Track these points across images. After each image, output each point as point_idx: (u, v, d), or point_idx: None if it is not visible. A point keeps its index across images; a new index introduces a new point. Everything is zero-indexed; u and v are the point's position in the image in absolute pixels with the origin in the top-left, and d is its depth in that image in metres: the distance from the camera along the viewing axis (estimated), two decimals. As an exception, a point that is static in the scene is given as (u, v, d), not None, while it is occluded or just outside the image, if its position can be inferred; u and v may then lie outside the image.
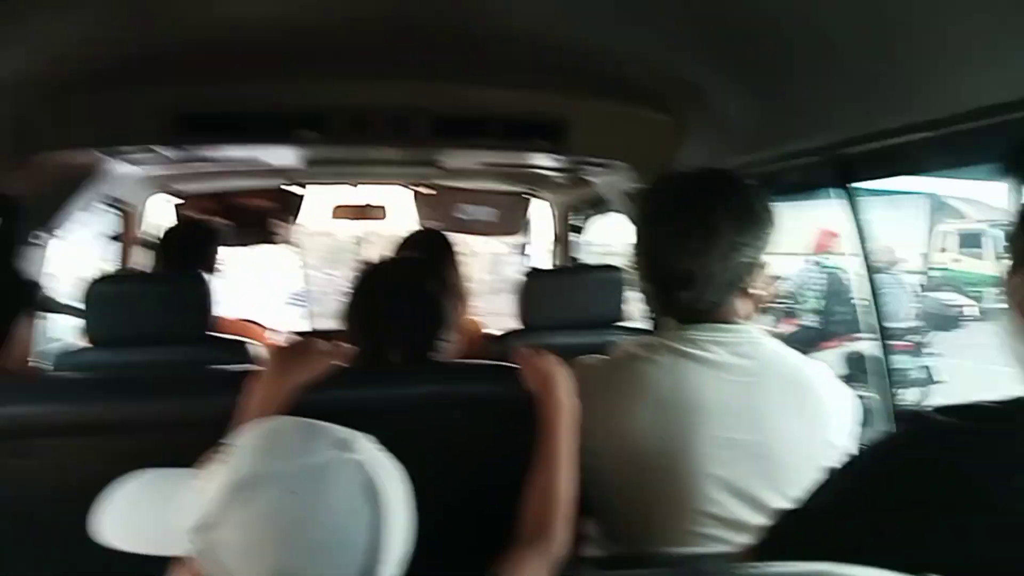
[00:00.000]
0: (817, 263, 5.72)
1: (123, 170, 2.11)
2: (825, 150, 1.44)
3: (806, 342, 5.09)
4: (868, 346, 1.57)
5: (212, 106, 1.73)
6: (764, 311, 1.33)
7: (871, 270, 1.54)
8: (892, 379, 1.52)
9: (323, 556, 0.66)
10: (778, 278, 1.32)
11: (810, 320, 5.68)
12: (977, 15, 0.95)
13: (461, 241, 2.56)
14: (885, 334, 1.53)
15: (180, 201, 3.12)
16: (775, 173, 1.70)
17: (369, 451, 0.72)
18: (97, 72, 1.56)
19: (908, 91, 1.15)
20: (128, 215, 2.89)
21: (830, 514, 0.75)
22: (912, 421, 0.69)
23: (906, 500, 0.67)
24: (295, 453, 0.69)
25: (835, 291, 5.58)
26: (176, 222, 2.93)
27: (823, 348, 5.21)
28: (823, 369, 1.27)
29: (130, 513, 0.76)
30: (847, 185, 1.54)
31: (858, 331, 4.26)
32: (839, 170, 1.54)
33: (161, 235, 2.29)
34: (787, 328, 5.59)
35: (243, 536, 0.67)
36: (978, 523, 0.61)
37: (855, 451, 1.22)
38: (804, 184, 1.83)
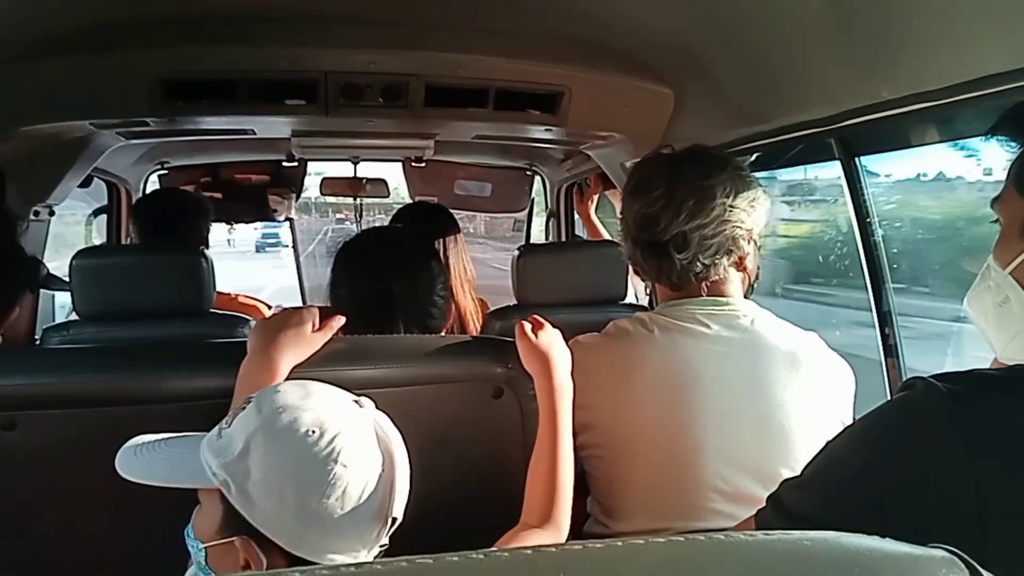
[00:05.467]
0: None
1: (114, 142, 2.07)
2: (824, 122, 1.42)
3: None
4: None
5: (197, 74, 1.69)
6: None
7: (871, 243, 1.53)
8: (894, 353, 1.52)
9: (344, 496, 0.75)
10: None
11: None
12: None
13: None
14: (884, 307, 1.52)
15: (164, 172, 3.06)
16: (774, 146, 1.69)
17: (375, 410, 0.83)
18: (79, 39, 1.51)
19: (907, 62, 1.13)
20: (119, 188, 2.86)
21: (826, 480, 0.75)
22: (909, 387, 0.68)
23: (900, 465, 0.67)
24: (319, 402, 0.79)
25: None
26: (156, 193, 2.86)
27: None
28: (815, 340, 1.27)
29: (154, 453, 0.83)
30: (847, 158, 1.53)
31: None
32: (839, 143, 1.52)
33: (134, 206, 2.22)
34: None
35: (269, 470, 0.75)
36: (971, 491, 0.61)
37: (852, 420, 1.23)
38: (802, 157, 1.82)
